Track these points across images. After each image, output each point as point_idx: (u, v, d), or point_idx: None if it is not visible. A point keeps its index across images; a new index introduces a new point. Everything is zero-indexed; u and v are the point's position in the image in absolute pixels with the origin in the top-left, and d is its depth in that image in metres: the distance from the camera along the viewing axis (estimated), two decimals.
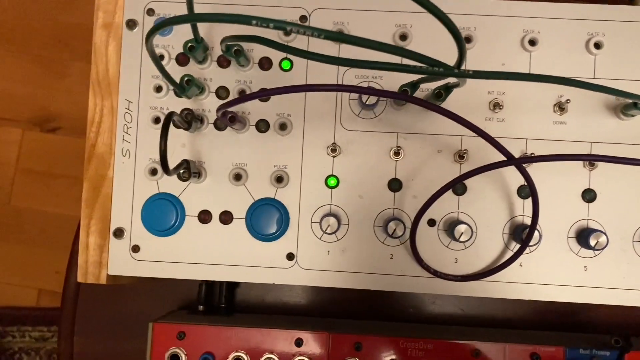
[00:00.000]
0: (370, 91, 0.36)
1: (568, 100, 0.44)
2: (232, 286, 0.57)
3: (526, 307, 0.58)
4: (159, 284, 0.59)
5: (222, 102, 0.41)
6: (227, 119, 0.41)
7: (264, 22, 0.26)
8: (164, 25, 0.29)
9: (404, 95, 0.39)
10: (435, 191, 0.41)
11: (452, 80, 0.39)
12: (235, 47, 0.42)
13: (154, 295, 0.59)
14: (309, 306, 0.58)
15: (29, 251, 1.34)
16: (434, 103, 0.41)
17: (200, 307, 0.55)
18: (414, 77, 0.41)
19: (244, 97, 0.35)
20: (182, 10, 0.45)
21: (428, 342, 0.49)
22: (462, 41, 0.30)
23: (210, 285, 0.55)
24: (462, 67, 0.32)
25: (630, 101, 0.41)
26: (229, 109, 0.42)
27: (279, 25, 0.26)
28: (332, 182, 0.45)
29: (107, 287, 0.59)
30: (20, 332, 1.27)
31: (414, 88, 0.42)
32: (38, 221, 1.34)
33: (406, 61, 0.31)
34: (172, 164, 0.42)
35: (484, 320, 0.58)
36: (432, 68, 0.29)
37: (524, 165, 0.44)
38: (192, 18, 0.28)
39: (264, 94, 0.34)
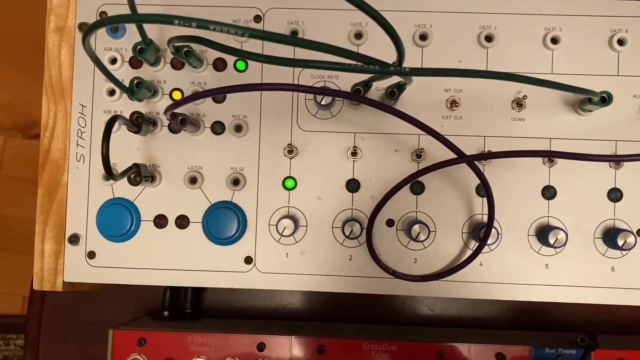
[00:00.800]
0: (317, 90, 0.35)
1: (525, 96, 0.43)
2: (198, 291, 0.56)
3: (496, 307, 0.57)
4: (125, 290, 0.58)
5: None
6: (177, 121, 0.40)
7: (186, 21, 0.25)
8: (91, 29, 0.29)
9: (353, 95, 0.38)
10: (392, 194, 0.41)
11: (402, 79, 0.38)
12: (185, 49, 0.41)
13: (120, 301, 0.58)
14: (277, 310, 0.57)
15: (13, 258, 1.33)
16: (385, 103, 0.40)
17: (165, 313, 0.54)
18: (367, 76, 0.41)
19: (186, 98, 0.35)
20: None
21: (392, 344, 0.48)
22: (398, 40, 0.29)
23: (175, 290, 0.55)
24: (403, 65, 0.31)
25: (586, 97, 0.41)
26: (180, 112, 0.41)
27: (201, 24, 0.25)
28: (290, 183, 0.45)
29: (73, 294, 0.58)
30: (4, 340, 1.26)
31: (367, 87, 0.41)
32: (22, 228, 1.33)
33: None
34: (125, 168, 0.41)
35: (454, 320, 0.57)
36: (369, 66, 0.29)
37: (483, 163, 0.43)
38: (116, 20, 0.27)
39: (202, 96, 0.34)
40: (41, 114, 0.45)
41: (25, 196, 1.34)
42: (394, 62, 0.32)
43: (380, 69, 0.29)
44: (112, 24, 0.28)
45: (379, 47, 0.44)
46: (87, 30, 0.30)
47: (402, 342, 0.48)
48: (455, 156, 0.37)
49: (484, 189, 0.39)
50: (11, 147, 1.36)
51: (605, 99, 0.40)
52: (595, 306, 0.53)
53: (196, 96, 0.34)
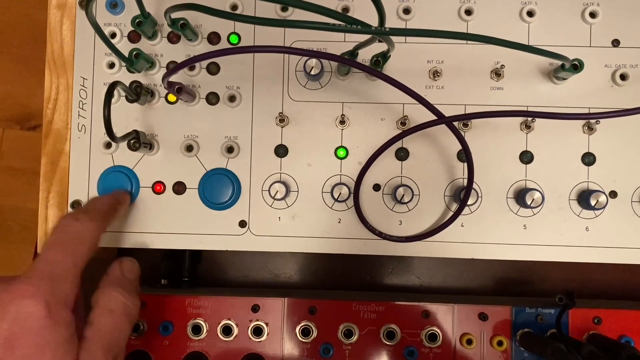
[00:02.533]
0: (304, 52, 0.37)
1: (503, 65, 0.46)
2: (195, 260, 0.58)
3: (482, 275, 0.60)
4: None
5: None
6: (174, 90, 0.42)
7: None
8: None
9: (344, 59, 0.40)
10: (377, 157, 0.43)
11: (386, 44, 0.40)
12: (181, 21, 0.44)
13: None
14: (271, 279, 0.59)
15: (12, 248, 1.35)
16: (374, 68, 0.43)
17: (163, 281, 0.57)
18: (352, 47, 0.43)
19: (180, 64, 0.37)
20: None
21: (379, 305, 0.50)
22: (379, 3, 0.32)
23: (172, 259, 0.57)
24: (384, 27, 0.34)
25: (560, 64, 0.43)
26: (176, 82, 0.44)
27: None
28: (282, 151, 0.47)
29: None
30: None
31: (353, 56, 0.43)
32: (20, 218, 1.35)
33: None
34: (122, 135, 0.44)
35: (440, 289, 0.60)
36: (352, 26, 0.31)
37: (464, 130, 0.46)
38: None
39: (196, 60, 0.36)
40: (42, 104, 0.47)
41: (23, 187, 1.36)
42: (377, 25, 0.34)
43: (362, 28, 0.31)
44: None
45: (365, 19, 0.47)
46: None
47: (389, 302, 0.50)
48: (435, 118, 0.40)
49: (463, 151, 0.42)
50: (9, 138, 1.38)
51: (576, 66, 0.43)
52: (578, 275, 0.56)
53: (188, 61, 0.37)
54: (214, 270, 0.60)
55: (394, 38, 0.44)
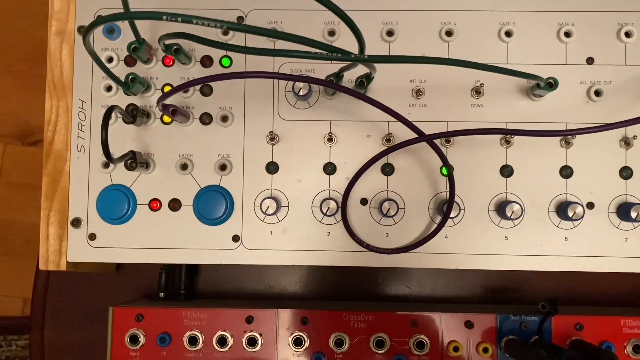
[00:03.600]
0: (289, 77, 0.39)
1: (482, 84, 0.48)
2: (191, 274, 0.60)
3: (469, 285, 0.62)
4: (124, 275, 0.62)
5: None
6: (169, 112, 0.45)
7: (172, 16, 0.30)
8: (90, 28, 0.33)
9: (327, 82, 0.43)
10: (363, 172, 0.45)
11: (368, 69, 0.43)
12: (175, 46, 0.46)
13: (119, 286, 0.62)
14: (265, 290, 0.61)
15: (13, 262, 1.37)
16: (357, 91, 0.45)
17: (161, 294, 0.59)
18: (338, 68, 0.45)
19: (175, 88, 0.39)
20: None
21: (369, 314, 0.52)
22: (358, 32, 0.34)
23: (170, 273, 0.59)
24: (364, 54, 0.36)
25: (536, 82, 0.46)
26: (171, 104, 0.46)
27: (186, 18, 0.30)
28: (273, 168, 0.49)
29: (76, 281, 0.62)
30: (7, 341, 1.29)
31: (338, 78, 0.46)
32: (22, 232, 1.37)
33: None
34: (120, 155, 0.46)
35: (428, 298, 0.62)
36: (333, 54, 0.33)
37: (446, 145, 0.48)
38: (111, 18, 0.32)
39: (190, 85, 0.38)
40: (42, 120, 0.50)
41: (25, 201, 1.38)
42: (358, 52, 0.36)
43: (342, 56, 0.33)
44: (108, 21, 0.33)
45: (350, 43, 0.49)
46: (87, 28, 0.34)
47: (378, 312, 0.52)
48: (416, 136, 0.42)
49: (444, 166, 0.44)
50: (11, 154, 1.40)
51: (551, 84, 0.45)
52: (562, 283, 0.58)
53: (183, 86, 0.39)
54: (210, 283, 0.62)
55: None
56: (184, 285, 0.59)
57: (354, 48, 0.37)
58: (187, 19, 0.30)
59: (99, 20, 0.34)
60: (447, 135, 0.44)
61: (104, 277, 0.62)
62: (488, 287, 0.63)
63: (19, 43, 1.39)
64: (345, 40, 0.49)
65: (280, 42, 0.47)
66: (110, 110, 0.40)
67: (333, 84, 0.44)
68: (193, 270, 0.61)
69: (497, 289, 0.62)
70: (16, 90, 1.40)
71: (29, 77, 1.39)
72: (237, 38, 0.50)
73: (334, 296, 0.61)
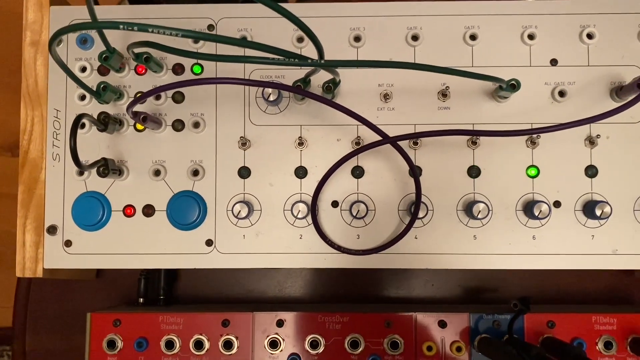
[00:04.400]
0: (261, 84, 0.40)
1: (447, 87, 0.49)
2: (170, 279, 0.61)
3: (448, 286, 0.63)
4: (106, 282, 0.63)
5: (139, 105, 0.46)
6: (139, 119, 0.45)
7: (129, 25, 0.31)
8: (55, 37, 0.34)
9: (295, 89, 0.44)
10: (330, 175, 0.46)
11: (332, 75, 0.43)
12: (145, 55, 0.47)
13: (100, 293, 0.63)
14: (242, 294, 0.62)
15: (4, 272, 1.37)
16: (325, 96, 0.46)
17: (141, 300, 0.59)
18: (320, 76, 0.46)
19: (144, 94, 0.40)
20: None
21: (343, 315, 0.53)
22: (315, 38, 0.35)
23: (149, 279, 0.60)
24: (323, 59, 0.37)
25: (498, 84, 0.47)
26: (142, 111, 0.47)
27: (142, 27, 0.31)
28: (245, 172, 0.50)
29: (57, 289, 0.63)
30: None
31: (306, 83, 0.47)
32: (12, 243, 1.37)
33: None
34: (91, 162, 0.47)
35: (406, 299, 0.62)
36: (290, 59, 0.34)
37: (414, 148, 0.49)
38: (73, 28, 0.33)
39: (158, 91, 0.39)
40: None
41: (14, 212, 1.38)
42: (317, 58, 0.37)
43: (299, 61, 0.34)
44: (71, 31, 0.33)
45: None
46: (51, 38, 0.35)
47: (353, 313, 0.53)
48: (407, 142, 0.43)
49: (409, 167, 0.45)
50: (1, 165, 1.41)
51: (514, 86, 0.46)
52: (536, 281, 0.59)
53: (151, 92, 0.40)
54: (190, 289, 0.62)
55: None
56: (162, 290, 0.59)
57: (327, 54, 0.38)
58: (142, 28, 0.31)
59: (63, 30, 0.35)
60: (410, 137, 0.45)
61: (85, 284, 0.63)
62: (466, 287, 0.63)
63: (9, 56, 1.39)
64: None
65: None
66: (78, 118, 0.41)
67: (300, 89, 0.45)
68: (172, 275, 0.61)
69: (475, 289, 0.63)
70: (7, 102, 1.41)
71: (19, 90, 1.40)
72: (208, 46, 0.50)
73: (312, 299, 0.62)
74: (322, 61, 0.35)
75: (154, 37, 0.41)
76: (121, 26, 0.31)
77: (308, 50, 0.50)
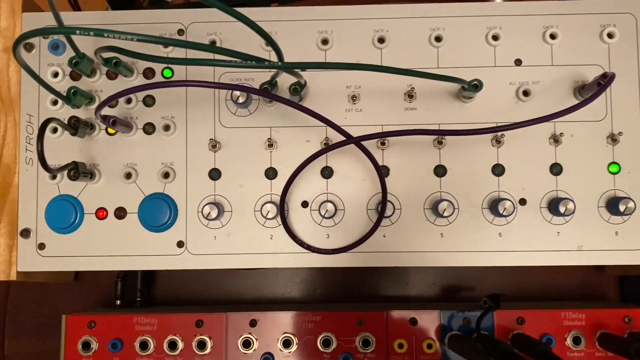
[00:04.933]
0: (223, 86, 0.41)
1: (413, 87, 0.50)
2: (147, 281, 0.62)
3: (425, 285, 0.63)
4: (84, 285, 0.63)
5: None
6: (109, 122, 0.46)
7: (85, 31, 0.32)
8: (18, 42, 0.35)
9: (261, 91, 0.44)
10: (296, 175, 0.47)
11: (296, 78, 0.44)
12: (114, 60, 0.48)
13: (80, 296, 0.63)
14: (218, 294, 0.63)
15: None
16: (293, 99, 0.47)
17: (118, 302, 0.60)
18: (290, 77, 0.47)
19: (110, 97, 0.41)
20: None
21: (316, 314, 0.54)
22: (273, 42, 0.36)
23: (125, 281, 0.60)
24: (282, 61, 0.38)
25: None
26: (112, 115, 0.47)
27: (97, 32, 0.31)
28: (215, 174, 0.51)
29: (36, 292, 0.63)
30: None
31: (272, 85, 0.47)
32: None
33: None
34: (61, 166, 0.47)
35: (384, 298, 0.63)
36: (247, 62, 0.35)
37: (382, 148, 0.50)
38: (34, 33, 0.33)
39: (124, 94, 0.40)
40: None
41: None
42: (277, 60, 0.38)
43: (256, 63, 0.35)
44: (30, 37, 0.34)
45: (288, 53, 0.51)
46: (15, 42, 0.36)
47: (325, 312, 0.54)
48: (374, 141, 0.44)
49: (374, 167, 0.45)
50: None
51: (476, 86, 0.46)
52: (515, 280, 0.60)
53: (119, 94, 0.41)
54: (168, 290, 0.63)
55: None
56: (139, 292, 0.60)
57: (290, 56, 0.38)
58: (98, 33, 0.32)
59: (26, 35, 0.35)
60: (372, 138, 0.45)
61: (63, 287, 0.63)
62: (443, 286, 0.64)
63: None
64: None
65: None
66: (46, 122, 0.42)
67: (267, 92, 0.46)
68: (149, 277, 0.62)
69: (452, 288, 0.64)
70: None
71: None
72: (179, 50, 0.51)
73: (292, 299, 0.63)
74: (280, 63, 0.36)
75: (121, 42, 0.42)
76: (77, 31, 0.32)
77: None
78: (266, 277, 0.63)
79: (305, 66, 0.37)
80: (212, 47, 0.34)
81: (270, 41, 0.35)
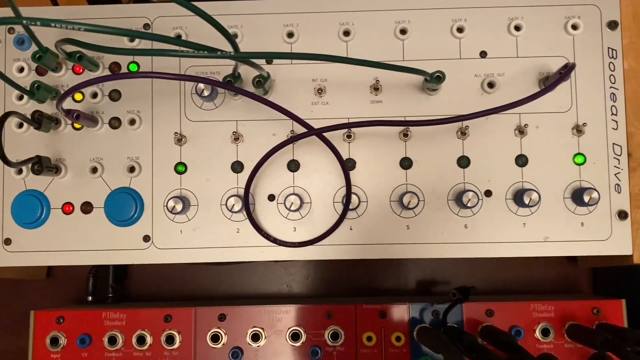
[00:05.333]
0: (186, 78, 0.41)
1: (378, 80, 0.50)
2: (119, 277, 0.61)
3: (402, 278, 0.63)
4: (57, 282, 0.63)
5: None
6: (72, 117, 0.46)
7: (32, 21, 0.32)
8: None
9: (224, 84, 0.44)
10: (258, 168, 0.47)
11: (259, 72, 0.44)
12: (78, 54, 0.48)
13: (52, 292, 0.63)
14: (206, 292, 0.63)
15: None
16: (257, 92, 0.47)
17: (89, 298, 0.60)
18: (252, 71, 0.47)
19: (70, 89, 0.41)
20: (41, 30, 0.51)
21: (285, 308, 0.54)
22: (227, 33, 0.36)
23: (97, 277, 0.60)
24: (237, 52, 0.38)
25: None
26: (75, 109, 0.47)
27: (44, 22, 0.31)
28: (181, 168, 0.51)
29: (8, 289, 0.63)
30: None
31: (236, 78, 0.47)
32: None
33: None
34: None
35: (357, 292, 0.63)
36: (199, 52, 0.35)
37: (348, 141, 0.50)
38: None
39: (85, 85, 0.40)
40: None
41: None
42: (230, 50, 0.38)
43: (208, 53, 0.35)
44: None
45: (249, 45, 0.51)
46: None
47: (294, 305, 0.54)
48: (340, 135, 0.44)
49: (337, 158, 0.45)
50: None
51: (439, 78, 0.46)
52: (491, 274, 0.60)
53: (78, 87, 0.41)
54: (140, 286, 0.63)
55: (282, 60, 0.48)
56: (111, 288, 0.60)
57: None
58: (45, 23, 0.32)
59: None
60: (333, 129, 0.45)
61: (35, 284, 0.63)
62: (418, 280, 0.64)
63: None
64: (247, 43, 0.51)
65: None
66: (4, 116, 0.42)
67: (230, 84, 0.45)
68: (121, 273, 0.62)
69: (427, 282, 0.64)
70: None
71: None
72: (146, 43, 0.51)
73: (267, 294, 0.63)
74: (233, 53, 0.36)
75: (85, 37, 0.42)
76: (24, 21, 0.31)
77: (241, 45, 0.51)
78: (242, 271, 0.63)
79: (259, 55, 0.37)
80: (157, 35, 0.34)
81: (223, 32, 0.35)
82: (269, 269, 0.64)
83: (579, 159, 0.50)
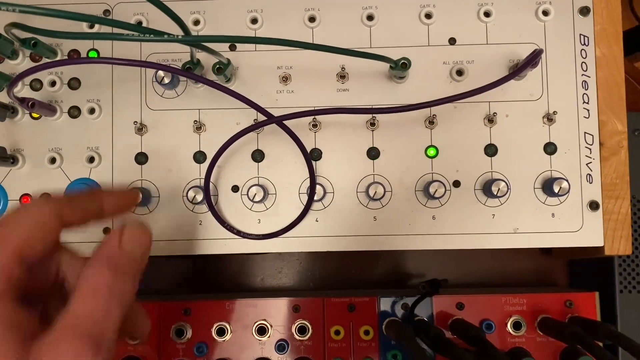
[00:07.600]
0: (148, 65, 0.40)
1: (344, 67, 0.49)
2: None
3: (377, 270, 0.62)
4: None
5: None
6: (27, 105, 0.45)
7: None
8: None
9: (183, 71, 0.43)
10: (218, 157, 0.46)
11: (218, 58, 0.43)
12: (33, 41, 0.46)
13: None
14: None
15: None
16: (219, 79, 0.45)
17: None
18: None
19: (20, 74, 0.39)
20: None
21: (252, 301, 0.52)
22: (176, 16, 0.34)
23: None
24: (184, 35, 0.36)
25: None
26: (30, 97, 0.46)
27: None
28: (142, 158, 0.49)
29: None
30: None
31: (195, 65, 0.46)
32: None
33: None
34: None
35: (333, 285, 0.62)
36: (144, 35, 0.34)
37: (314, 130, 0.49)
38: None
39: (34, 71, 0.39)
40: None
41: None
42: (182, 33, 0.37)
43: (154, 36, 0.34)
44: None
45: (212, 31, 0.49)
46: None
47: (261, 299, 0.52)
48: (306, 124, 0.43)
49: (298, 147, 0.44)
50: None
51: (405, 65, 0.45)
52: (466, 267, 0.59)
53: (27, 72, 0.39)
54: None
55: (246, 46, 0.47)
56: None
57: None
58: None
59: None
60: (293, 117, 0.44)
61: None
62: (394, 272, 0.63)
63: None
64: (212, 27, 0.49)
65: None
66: None
67: (190, 72, 0.44)
68: None
69: (402, 275, 0.63)
70: None
71: None
72: (107, 28, 0.50)
73: (240, 287, 0.62)
74: (178, 36, 0.34)
75: (39, 21, 0.41)
76: None
77: (203, 31, 0.50)
78: (210, 264, 0.62)
79: (211, 39, 0.35)
80: (103, 19, 0.32)
81: (169, 13, 0.34)
82: (242, 262, 0.63)
83: (550, 149, 0.49)
